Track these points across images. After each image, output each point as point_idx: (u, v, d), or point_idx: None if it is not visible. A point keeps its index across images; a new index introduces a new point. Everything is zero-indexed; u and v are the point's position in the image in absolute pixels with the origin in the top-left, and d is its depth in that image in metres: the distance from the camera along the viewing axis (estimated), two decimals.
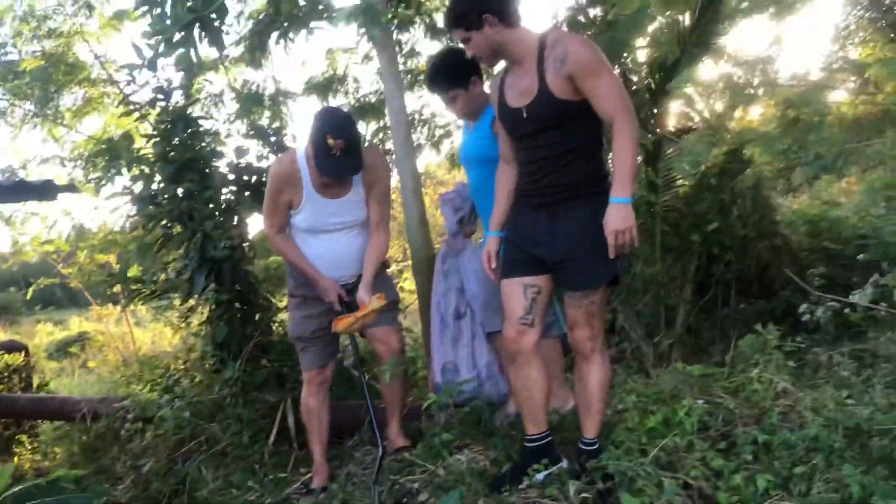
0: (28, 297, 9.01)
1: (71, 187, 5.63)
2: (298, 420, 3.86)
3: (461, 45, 2.93)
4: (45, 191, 5.67)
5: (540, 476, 2.79)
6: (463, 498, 2.68)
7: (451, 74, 3.48)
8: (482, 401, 3.70)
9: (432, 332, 3.97)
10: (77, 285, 8.80)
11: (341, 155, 3.09)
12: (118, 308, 10.08)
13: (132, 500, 3.53)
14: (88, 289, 9.15)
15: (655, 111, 4.97)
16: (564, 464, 2.85)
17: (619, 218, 2.59)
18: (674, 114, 5.48)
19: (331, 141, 3.06)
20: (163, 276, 4.55)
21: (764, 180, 5.37)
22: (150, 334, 9.42)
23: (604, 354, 2.89)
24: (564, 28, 5.29)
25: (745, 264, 4.99)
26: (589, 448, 2.84)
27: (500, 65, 3.00)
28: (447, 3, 6.02)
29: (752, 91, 6.75)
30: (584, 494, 2.56)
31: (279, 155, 4.33)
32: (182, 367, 4.76)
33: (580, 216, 2.74)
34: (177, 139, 4.25)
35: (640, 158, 5.05)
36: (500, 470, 3.01)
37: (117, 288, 7.26)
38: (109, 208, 4.80)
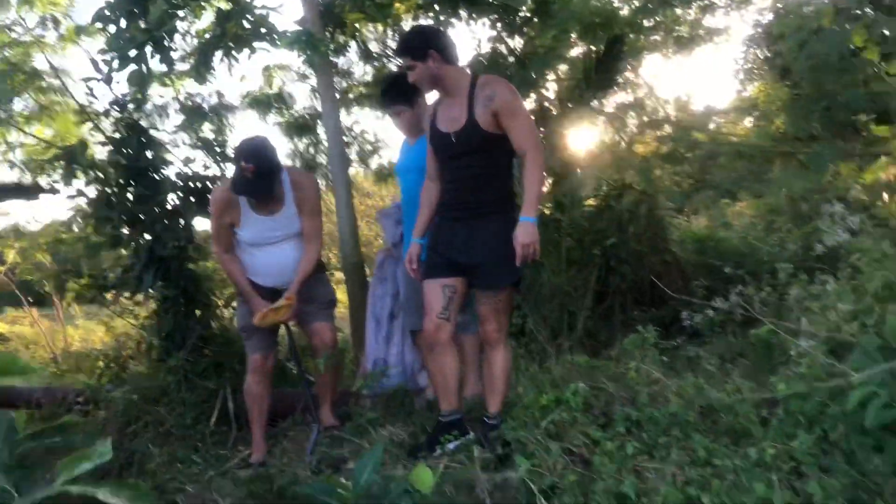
0: None
1: (52, 190, 5.95)
2: (237, 404, 4.27)
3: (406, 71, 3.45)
4: (31, 191, 6.12)
5: (451, 445, 3.27)
6: (384, 454, 3.14)
7: (400, 93, 3.97)
8: (404, 389, 4.23)
9: (367, 331, 4.47)
10: (6, 282, 8.92)
11: (252, 178, 3.56)
12: (34, 310, 10.16)
13: None
14: (22, 287, 9.25)
15: (565, 137, 5.59)
16: (471, 435, 3.36)
17: (526, 234, 3.15)
18: (582, 140, 6.08)
19: (243, 164, 3.55)
20: (112, 276, 4.88)
21: (659, 202, 6.01)
22: (81, 332, 9.56)
23: (507, 345, 3.45)
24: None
25: (640, 276, 5.62)
26: (491, 422, 3.38)
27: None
28: (381, 30, 6.57)
29: (657, 121, 7.38)
30: (485, 457, 3.08)
31: (217, 183, 4.72)
32: (124, 359, 5.09)
33: (492, 229, 3.29)
34: (129, 148, 4.61)
35: (549, 181, 5.67)
36: (417, 441, 3.52)
37: (48, 287, 7.47)
38: (47, 209, 5.09)
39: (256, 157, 3.57)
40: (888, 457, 2.58)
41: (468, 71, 3.43)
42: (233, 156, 3.67)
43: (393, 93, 4.05)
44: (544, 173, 3.49)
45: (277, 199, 3.78)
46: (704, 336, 4.75)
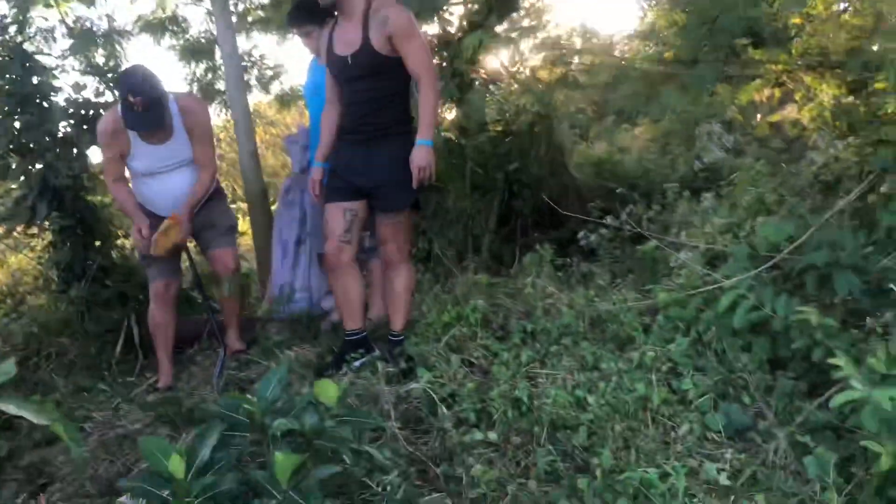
0: None
1: None
2: (142, 332, 4.25)
3: None
4: None
5: (357, 363, 3.39)
6: (289, 373, 3.24)
7: (309, 12, 3.89)
8: (310, 314, 4.32)
9: (273, 256, 4.49)
10: None
11: (142, 110, 3.47)
12: None
13: None
14: None
15: (467, 63, 5.63)
16: (377, 353, 3.49)
17: (422, 157, 3.23)
18: (487, 65, 6.13)
19: (131, 98, 3.44)
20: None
21: (559, 127, 6.15)
22: None
23: (409, 264, 3.56)
24: None
25: (540, 199, 5.79)
26: (396, 339, 3.51)
27: None
28: None
29: (553, 42, 7.44)
30: (389, 370, 3.21)
31: (103, 114, 4.59)
32: (21, 294, 4.96)
33: (390, 151, 3.34)
34: (13, 73, 4.40)
35: (452, 106, 5.73)
36: (324, 362, 3.62)
37: None
38: None
39: (142, 89, 3.46)
40: (754, 355, 2.85)
41: None
42: (119, 89, 3.51)
43: (302, 13, 3.99)
44: (440, 97, 3.55)
45: (167, 127, 3.70)
46: (598, 254, 4.98)
